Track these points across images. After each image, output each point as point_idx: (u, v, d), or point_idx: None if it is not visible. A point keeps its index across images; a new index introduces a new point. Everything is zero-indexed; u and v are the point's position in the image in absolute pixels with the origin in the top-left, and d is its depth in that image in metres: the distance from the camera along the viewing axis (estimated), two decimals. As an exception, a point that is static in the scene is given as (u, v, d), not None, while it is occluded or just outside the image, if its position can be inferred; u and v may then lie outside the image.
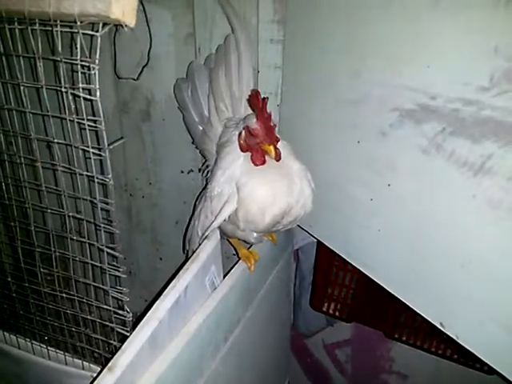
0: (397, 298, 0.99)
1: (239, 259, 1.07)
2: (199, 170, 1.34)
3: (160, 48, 1.26)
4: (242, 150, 0.93)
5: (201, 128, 1.20)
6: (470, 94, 0.72)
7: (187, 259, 0.90)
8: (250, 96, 0.97)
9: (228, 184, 0.94)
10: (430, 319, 0.90)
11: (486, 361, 0.80)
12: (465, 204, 0.77)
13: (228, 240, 1.11)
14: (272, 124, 0.89)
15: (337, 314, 1.45)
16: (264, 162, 0.91)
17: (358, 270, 1.08)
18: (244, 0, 1.11)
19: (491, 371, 1.24)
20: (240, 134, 0.93)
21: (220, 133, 1.10)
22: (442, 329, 0.87)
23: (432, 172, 0.82)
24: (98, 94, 0.71)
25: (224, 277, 1.02)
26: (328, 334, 1.67)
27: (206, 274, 0.92)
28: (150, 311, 0.78)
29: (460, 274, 0.81)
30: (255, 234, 1.01)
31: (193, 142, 1.29)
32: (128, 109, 1.42)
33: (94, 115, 0.75)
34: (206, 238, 0.96)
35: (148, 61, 1.24)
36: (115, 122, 1.46)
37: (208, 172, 1.18)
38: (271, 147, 0.87)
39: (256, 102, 0.88)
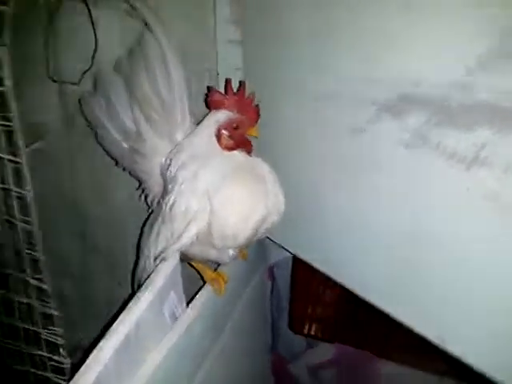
0: (386, 313, 0.88)
1: (204, 283, 0.94)
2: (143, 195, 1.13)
3: (108, 53, 1.13)
4: (229, 150, 0.84)
5: (126, 146, 1.02)
6: (458, 77, 0.63)
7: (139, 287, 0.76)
8: (210, 94, 0.85)
9: (196, 197, 0.81)
10: (426, 336, 0.79)
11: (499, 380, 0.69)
12: (458, 200, 0.68)
13: (189, 264, 0.97)
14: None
15: (319, 335, 1.33)
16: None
17: (341, 284, 0.97)
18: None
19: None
20: (219, 136, 0.83)
21: (155, 147, 0.97)
22: (442, 346, 0.76)
23: (418, 168, 0.72)
24: (8, 83, 0.57)
25: (188, 304, 0.89)
26: (311, 354, 1.53)
27: (163, 302, 0.78)
28: (91, 355, 0.64)
29: (458, 278, 0.71)
30: (231, 252, 0.88)
31: (116, 164, 1.11)
32: (76, 123, 1.28)
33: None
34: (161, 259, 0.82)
35: (92, 65, 1.11)
36: (62, 138, 1.32)
37: (148, 195, 1.05)
38: (256, 127, 0.85)
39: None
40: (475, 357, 0.73)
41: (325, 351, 1.50)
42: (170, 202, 0.85)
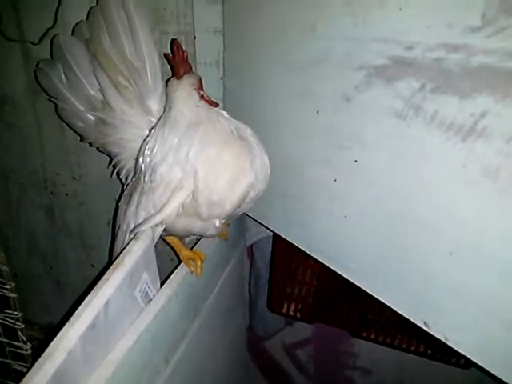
0: (363, 292, 0.84)
1: (180, 262, 0.88)
2: (115, 171, 1.04)
3: (73, 13, 1.03)
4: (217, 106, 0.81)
5: (92, 117, 0.95)
6: (456, 38, 0.57)
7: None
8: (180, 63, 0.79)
9: (179, 164, 0.76)
10: (410, 318, 0.75)
11: (481, 364, 0.66)
12: (452, 177, 0.63)
13: (164, 240, 0.91)
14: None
15: (298, 315, 1.30)
16: None
17: (321, 264, 0.93)
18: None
19: (467, 365, 1.16)
20: (203, 98, 0.80)
21: (126, 117, 0.90)
22: (425, 329, 0.73)
23: (409, 141, 0.67)
24: None
25: (162, 284, 0.83)
26: (288, 333, 1.53)
27: (135, 284, 0.72)
28: (54, 340, 0.58)
29: (448, 263, 0.66)
30: (218, 223, 0.82)
31: (81, 140, 1.03)
32: (42, 91, 1.18)
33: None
34: (133, 237, 0.76)
35: (55, 23, 1.01)
36: (27, 108, 1.22)
37: (121, 170, 0.97)
38: None
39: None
40: (458, 341, 0.70)
41: (302, 330, 1.49)
42: (150, 171, 0.80)
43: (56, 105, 0.99)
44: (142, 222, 0.80)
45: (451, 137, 0.61)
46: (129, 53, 0.85)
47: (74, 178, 1.28)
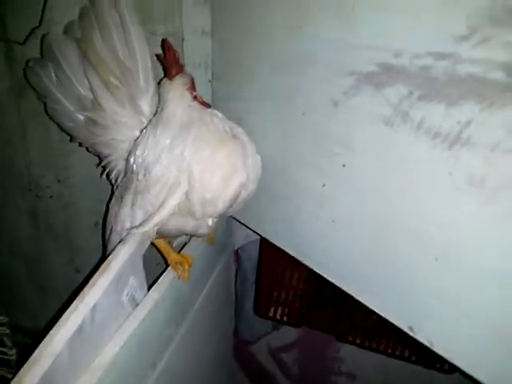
0: (350, 297, 0.85)
1: (167, 266, 0.88)
2: (105, 172, 1.02)
3: (60, 12, 1.01)
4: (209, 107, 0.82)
5: (82, 117, 0.93)
6: (443, 46, 0.58)
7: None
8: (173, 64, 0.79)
9: (174, 163, 0.76)
10: (396, 323, 0.76)
11: (465, 369, 0.67)
12: (439, 184, 0.64)
13: (152, 243, 0.90)
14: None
15: (285, 319, 1.30)
16: None
17: (308, 268, 0.93)
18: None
19: (451, 370, 1.18)
20: (196, 98, 0.80)
21: (117, 117, 0.89)
22: (411, 334, 0.74)
23: (397, 147, 0.68)
24: None
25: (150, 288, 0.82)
26: (273, 337, 1.53)
27: (122, 288, 0.71)
28: (40, 345, 0.57)
29: (434, 269, 0.67)
30: (210, 222, 0.83)
31: (71, 140, 1.01)
32: (26, 92, 1.16)
33: None
34: (120, 241, 0.75)
35: (41, 23, 1.00)
36: (11, 109, 1.20)
37: (112, 171, 0.96)
38: None
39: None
40: (443, 346, 0.71)
41: (287, 334, 1.49)
42: (144, 171, 0.80)
43: (45, 104, 0.97)
44: (140, 224, 0.79)
45: (438, 144, 0.62)
46: (121, 53, 0.85)
47: (59, 181, 1.26)
